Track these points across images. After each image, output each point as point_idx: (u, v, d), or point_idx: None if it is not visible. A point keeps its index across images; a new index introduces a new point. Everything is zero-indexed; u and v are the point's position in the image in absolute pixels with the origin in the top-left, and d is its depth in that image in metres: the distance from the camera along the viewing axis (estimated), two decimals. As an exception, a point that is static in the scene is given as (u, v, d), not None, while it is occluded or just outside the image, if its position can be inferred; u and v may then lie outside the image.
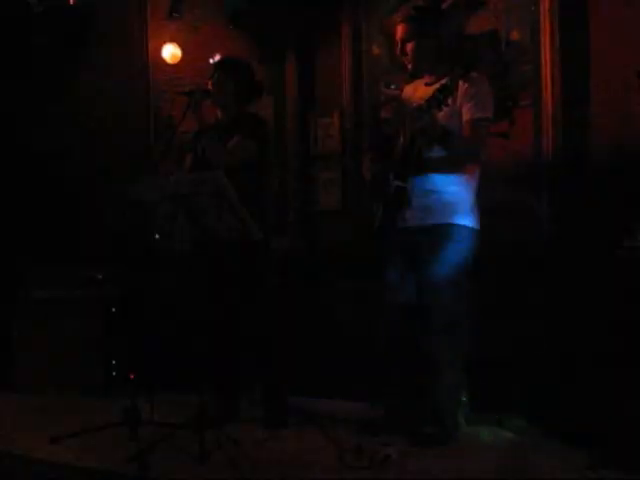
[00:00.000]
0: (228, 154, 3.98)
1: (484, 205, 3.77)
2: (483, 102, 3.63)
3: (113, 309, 4.93)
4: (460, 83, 3.57)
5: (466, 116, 3.63)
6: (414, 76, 3.90)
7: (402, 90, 4.07)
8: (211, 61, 4.44)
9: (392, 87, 3.97)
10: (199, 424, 3.48)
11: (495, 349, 3.99)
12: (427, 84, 3.79)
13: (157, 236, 4.07)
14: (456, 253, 3.65)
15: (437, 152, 3.64)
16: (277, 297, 4.39)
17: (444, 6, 4.26)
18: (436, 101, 3.47)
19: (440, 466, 3.40)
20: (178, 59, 5.23)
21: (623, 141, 3.86)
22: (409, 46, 3.75)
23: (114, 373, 4.84)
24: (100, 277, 4.99)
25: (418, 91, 3.83)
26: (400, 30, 3.78)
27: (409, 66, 3.82)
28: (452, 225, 3.66)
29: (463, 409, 3.85)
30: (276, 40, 4.96)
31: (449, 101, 3.51)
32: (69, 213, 5.48)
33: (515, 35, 4.18)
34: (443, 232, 3.66)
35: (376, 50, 4.70)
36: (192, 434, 3.51)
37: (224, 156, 3.97)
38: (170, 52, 5.21)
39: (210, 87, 4.11)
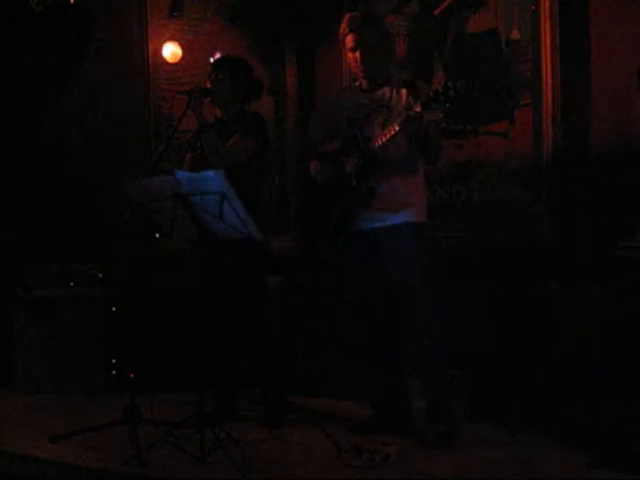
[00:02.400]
0: (228, 153, 3.98)
1: (484, 205, 3.77)
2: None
3: (113, 309, 4.92)
4: (402, 90, 3.61)
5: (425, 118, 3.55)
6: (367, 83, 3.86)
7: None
8: (211, 60, 4.44)
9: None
10: (199, 423, 3.48)
11: (494, 348, 4.00)
12: (366, 91, 3.79)
13: (157, 235, 4.08)
14: (420, 250, 3.66)
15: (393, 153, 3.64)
16: (276, 297, 4.39)
17: (440, 8, 4.27)
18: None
19: (440, 465, 3.40)
20: (178, 58, 5.23)
21: (623, 141, 3.86)
22: (359, 54, 3.71)
23: (114, 373, 4.84)
24: (100, 276, 4.99)
25: (353, 96, 3.84)
26: (348, 40, 3.74)
27: (364, 82, 3.80)
28: (409, 223, 3.66)
29: (462, 408, 3.85)
30: (276, 40, 4.96)
31: (383, 110, 3.60)
32: (69, 212, 5.47)
33: (515, 35, 4.19)
34: (402, 231, 3.65)
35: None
36: (192, 433, 3.52)
37: (224, 155, 3.97)
38: (170, 51, 5.21)
39: (210, 86, 4.12)
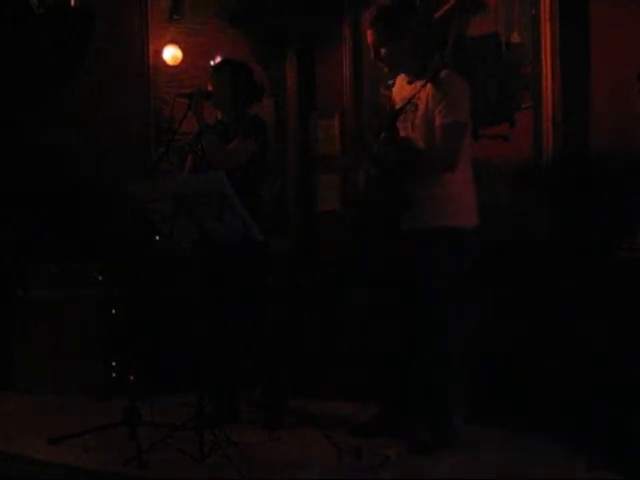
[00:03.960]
0: (228, 155, 3.99)
1: (485, 206, 3.77)
2: (453, 105, 3.52)
3: (113, 310, 4.92)
4: (429, 86, 3.52)
5: (437, 121, 3.54)
6: (393, 77, 3.85)
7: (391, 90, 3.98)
8: (211, 63, 4.44)
9: (389, 84, 3.93)
10: (198, 425, 3.48)
11: (495, 350, 3.99)
12: (409, 82, 3.73)
13: (157, 237, 4.08)
14: (445, 254, 3.60)
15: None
16: (277, 299, 4.39)
17: (441, 11, 4.26)
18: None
19: (440, 467, 3.41)
20: (179, 61, 5.23)
21: (623, 142, 3.86)
22: (382, 50, 3.66)
23: (114, 374, 4.84)
24: (100, 277, 4.99)
25: (404, 90, 3.77)
26: (369, 35, 3.69)
27: (385, 70, 3.78)
28: (440, 228, 3.61)
29: (462, 411, 3.85)
30: (277, 41, 4.96)
31: (411, 108, 3.53)
32: (69, 213, 5.47)
33: (515, 37, 4.18)
34: (432, 235, 3.60)
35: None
36: (191, 435, 3.52)
37: (224, 157, 3.97)
38: (171, 54, 5.21)
39: (210, 89, 4.12)
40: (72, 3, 5.34)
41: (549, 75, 4.01)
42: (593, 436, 3.46)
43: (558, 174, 4.03)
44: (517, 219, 4.12)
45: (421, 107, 3.58)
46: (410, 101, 3.58)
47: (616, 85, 3.86)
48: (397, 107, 3.69)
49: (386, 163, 3.53)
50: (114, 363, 4.84)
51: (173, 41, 5.25)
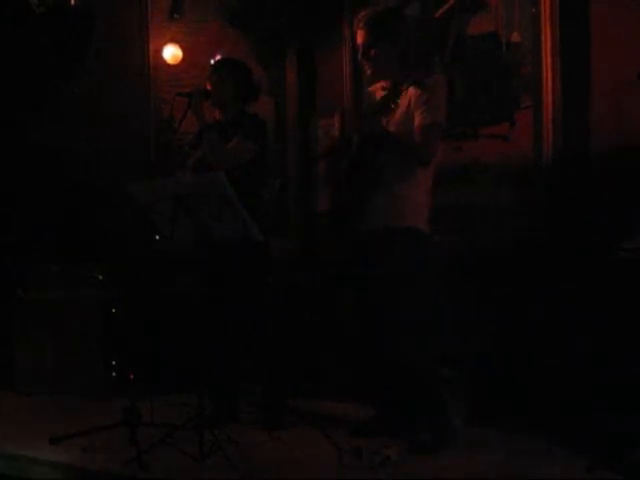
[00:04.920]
0: (228, 155, 3.99)
1: (484, 206, 3.77)
2: (434, 107, 3.57)
3: (113, 310, 4.92)
4: (412, 89, 3.55)
5: (416, 122, 3.58)
6: (372, 81, 3.86)
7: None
8: (211, 62, 4.44)
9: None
10: (198, 425, 3.48)
11: (494, 350, 4.00)
12: (383, 88, 3.76)
13: (157, 237, 4.08)
14: (407, 255, 3.61)
15: (385, 155, 3.61)
16: (277, 298, 4.39)
17: (441, 11, 4.26)
18: (379, 108, 3.47)
19: (439, 468, 3.40)
20: (179, 60, 5.24)
21: (623, 142, 3.86)
22: (371, 51, 3.69)
23: (114, 373, 4.84)
24: (100, 277, 4.99)
25: (377, 94, 3.81)
26: (359, 35, 3.72)
27: (368, 71, 3.78)
28: (401, 228, 3.63)
29: (461, 411, 3.85)
30: (277, 41, 4.96)
31: (395, 106, 3.53)
32: (69, 213, 5.48)
33: (515, 37, 4.18)
34: (393, 235, 3.63)
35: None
36: (191, 435, 3.51)
37: (225, 157, 3.97)
38: (171, 53, 5.21)
39: (210, 88, 4.12)
40: (72, 3, 5.34)
41: (549, 75, 4.01)
42: (593, 436, 3.46)
43: (558, 174, 4.03)
44: (517, 219, 4.12)
45: (401, 108, 3.60)
46: (395, 101, 3.59)
47: (616, 85, 3.86)
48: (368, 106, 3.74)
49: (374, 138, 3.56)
50: (114, 363, 4.84)
51: (173, 40, 5.25)
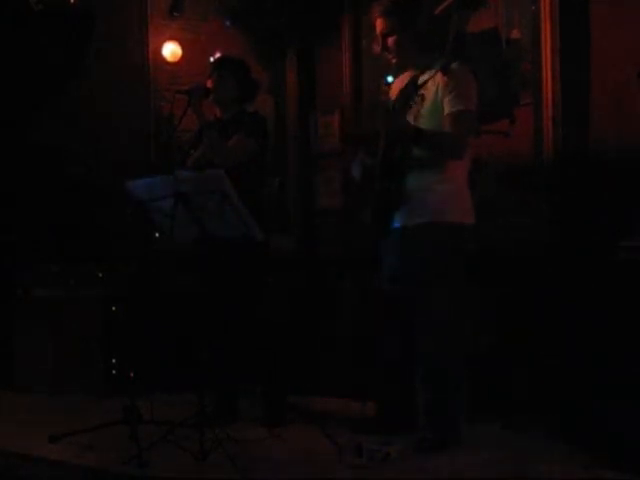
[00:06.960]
0: (229, 153, 3.98)
1: (484, 205, 3.77)
2: (463, 94, 3.52)
3: (113, 309, 4.93)
4: (439, 76, 3.49)
5: (446, 110, 3.52)
6: (399, 70, 3.82)
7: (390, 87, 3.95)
8: (211, 59, 4.44)
9: (390, 82, 3.90)
10: (199, 423, 3.48)
11: (496, 349, 4.00)
12: (413, 76, 3.69)
13: (157, 235, 4.08)
14: (441, 251, 3.57)
15: (418, 151, 3.55)
16: (277, 296, 4.39)
17: (441, 7, 4.25)
18: (403, 101, 3.45)
19: (440, 465, 3.40)
20: (178, 57, 5.24)
21: (623, 141, 3.86)
22: (390, 40, 3.66)
23: (114, 372, 4.84)
24: (100, 276, 4.99)
25: (403, 85, 3.75)
26: (379, 24, 3.68)
27: (393, 61, 3.74)
28: (435, 224, 3.56)
29: (463, 409, 3.85)
30: (277, 41, 4.97)
31: (417, 99, 3.49)
32: (69, 212, 5.48)
33: (516, 34, 4.18)
34: (426, 232, 3.56)
35: (376, 49, 4.68)
36: (192, 433, 3.50)
37: (225, 155, 3.97)
38: (171, 50, 5.22)
39: (210, 85, 4.12)
40: (72, 2, 5.34)
41: (549, 72, 4.01)
42: (593, 436, 3.45)
43: (558, 174, 4.03)
44: (517, 218, 4.12)
45: (429, 97, 3.55)
46: (417, 92, 3.55)
47: (616, 85, 3.86)
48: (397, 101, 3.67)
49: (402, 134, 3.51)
50: (114, 362, 4.84)
51: (173, 38, 5.27)
